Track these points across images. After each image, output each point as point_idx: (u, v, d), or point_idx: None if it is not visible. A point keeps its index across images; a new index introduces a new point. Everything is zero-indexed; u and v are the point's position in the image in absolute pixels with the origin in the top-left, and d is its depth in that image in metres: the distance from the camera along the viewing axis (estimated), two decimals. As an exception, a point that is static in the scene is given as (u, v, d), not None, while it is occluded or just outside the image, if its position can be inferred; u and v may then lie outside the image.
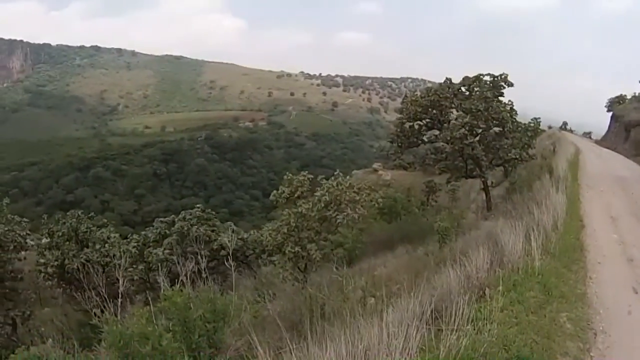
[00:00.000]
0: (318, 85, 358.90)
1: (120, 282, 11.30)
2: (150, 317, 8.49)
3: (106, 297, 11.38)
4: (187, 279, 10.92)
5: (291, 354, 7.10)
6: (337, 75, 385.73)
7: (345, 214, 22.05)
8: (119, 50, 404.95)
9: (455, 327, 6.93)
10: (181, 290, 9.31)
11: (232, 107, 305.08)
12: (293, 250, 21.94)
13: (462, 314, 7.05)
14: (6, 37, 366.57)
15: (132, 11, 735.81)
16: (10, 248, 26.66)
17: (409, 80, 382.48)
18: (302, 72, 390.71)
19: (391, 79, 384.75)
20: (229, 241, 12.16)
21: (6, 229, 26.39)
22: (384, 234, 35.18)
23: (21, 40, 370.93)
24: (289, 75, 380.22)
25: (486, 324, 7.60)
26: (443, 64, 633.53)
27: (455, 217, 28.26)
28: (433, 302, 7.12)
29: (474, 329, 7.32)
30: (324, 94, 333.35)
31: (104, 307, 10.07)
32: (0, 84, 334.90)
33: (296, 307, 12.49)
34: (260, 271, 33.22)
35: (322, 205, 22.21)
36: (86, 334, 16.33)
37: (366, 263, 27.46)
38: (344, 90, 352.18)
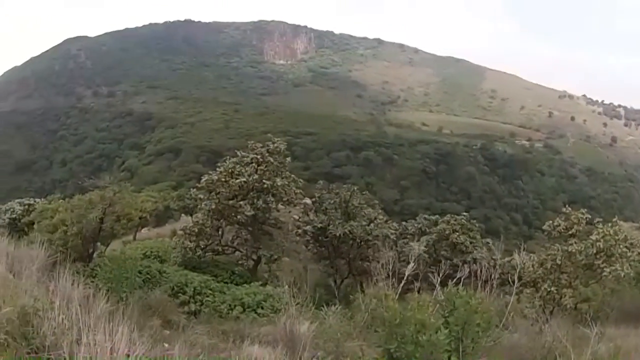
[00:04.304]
0: (599, 113, 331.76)
1: (410, 265, 11.60)
2: (431, 308, 8.61)
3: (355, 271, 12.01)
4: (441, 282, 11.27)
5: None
6: (619, 106, 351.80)
7: (613, 267, 20.64)
8: (401, 45, 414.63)
9: None
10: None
11: (510, 121, 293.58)
12: (549, 289, 21.10)
13: None
14: (290, 22, 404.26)
15: (413, 10, 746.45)
16: (283, 199, 29.50)
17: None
18: (584, 95, 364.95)
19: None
20: (518, 261, 12.55)
21: (286, 182, 29.03)
22: (632, 303, 33.05)
23: (305, 26, 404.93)
24: (571, 97, 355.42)
25: None
26: None
27: None
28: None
29: None
30: (605, 124, 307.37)
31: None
32: (285, 62, 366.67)
33: (531, 348, 11.70)
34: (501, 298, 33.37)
35: (594, 251, 20.93)
36: (320, 294, 16.30)
37: (605, 328, 26.12)
38: (625, 125, 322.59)
